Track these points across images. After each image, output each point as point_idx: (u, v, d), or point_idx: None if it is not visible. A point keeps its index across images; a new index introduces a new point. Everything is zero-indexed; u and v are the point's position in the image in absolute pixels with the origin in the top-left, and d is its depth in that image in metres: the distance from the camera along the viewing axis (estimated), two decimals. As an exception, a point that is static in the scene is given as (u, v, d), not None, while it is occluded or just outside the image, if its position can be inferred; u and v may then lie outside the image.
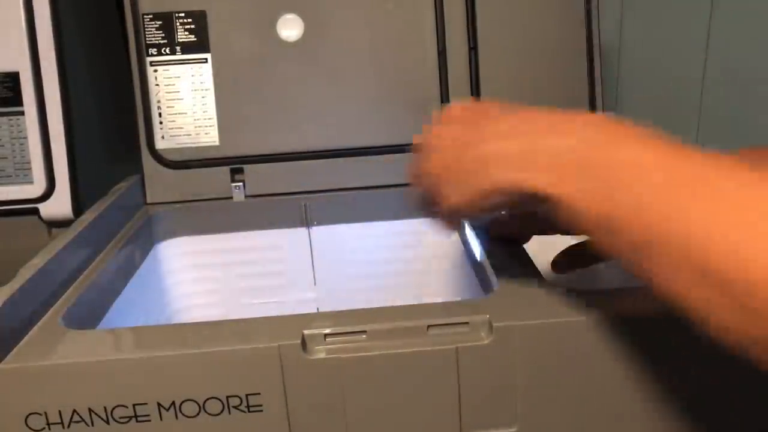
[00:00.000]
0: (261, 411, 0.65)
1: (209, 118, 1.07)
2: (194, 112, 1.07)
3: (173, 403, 0.64)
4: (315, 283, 1.11)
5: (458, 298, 1.00)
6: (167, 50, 1.06)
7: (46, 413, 0.63)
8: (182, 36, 1.06)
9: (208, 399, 0.64)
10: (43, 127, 0.94)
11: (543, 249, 1.05)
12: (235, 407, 0.64)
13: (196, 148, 1.07)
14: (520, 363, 0.65)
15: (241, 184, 1.07)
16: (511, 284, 0.74)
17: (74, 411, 0.63)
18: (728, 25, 1.30)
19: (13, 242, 0.95)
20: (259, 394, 0.64)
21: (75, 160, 0.96)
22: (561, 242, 1.11)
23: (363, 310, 0.70)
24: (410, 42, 1.08)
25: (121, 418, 0.64)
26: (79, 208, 0.96)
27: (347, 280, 1.11)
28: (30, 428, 0.63)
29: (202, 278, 1.08)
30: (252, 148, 1.07)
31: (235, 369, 0.64)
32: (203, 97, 1.07)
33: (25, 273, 0.73)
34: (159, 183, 1.07)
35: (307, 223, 1.08)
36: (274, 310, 1.08)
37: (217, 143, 1.07)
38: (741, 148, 0.65)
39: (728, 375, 0.67)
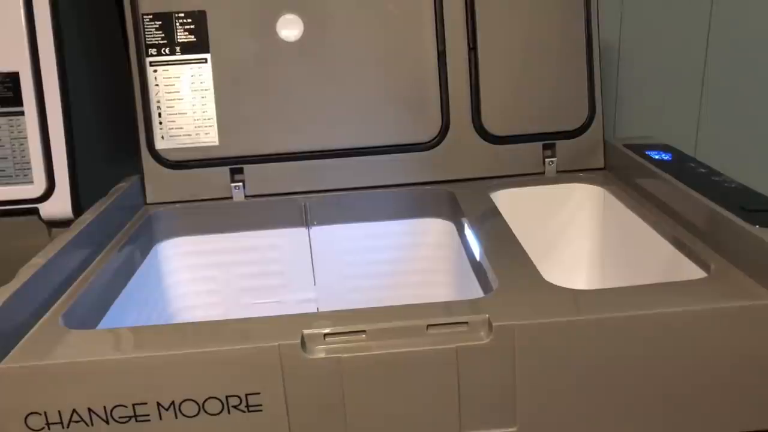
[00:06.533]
0: (260, 411, 0.65)
1: (209, 118, 1.07)
2: (194, 112, 1.07)
3: (173, 402, 0.64)
4: (315, 283, 1.11)
5: (458, 298, 1.00)
6: (167, 50, 1.06)
7: (45, 413, 0.63)
8: (182, 36, 1.06)
9: (207, 399, 0.64)
10: (43, 127, 0.94)
11: (543, 249, 1.05)
12: (234, 407, 0.64)
13: (196, 148, 1.07)
14: (520, 363, 0.65)
15: (240, 184, 1.07)
16: (510, 284, 0.74)
17: (74, 411, 0.63)
18: (728, 25, 1.30)
19: (13, 242, 0.95)
20: (258, 393, 0.64)
21: (75, 160, 0.96)
22: (561, 245, 1.11)
23: (362, 310, 0.70)
24: (410, 42, 1.08)
25: (120, 417, 0.64)
26: (79, 208, 0.96)
27: (347, 280, 1.11)
28: (30, 428, 0.64)
29: (202, 278, 1.08)
30: (251, 148, 1.07)
31: (235, 369, 0.64)
32: (203, 97, 1.07)
33: (25, 273, 0.73)
34: (159, 183, 1.07)
35: (307, 223, 1.08)
36: (274, 310, 1.08)
37: (217, 143, 1.07)
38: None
39: (727, 373, 0.68)
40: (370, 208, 1.08)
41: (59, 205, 0.96)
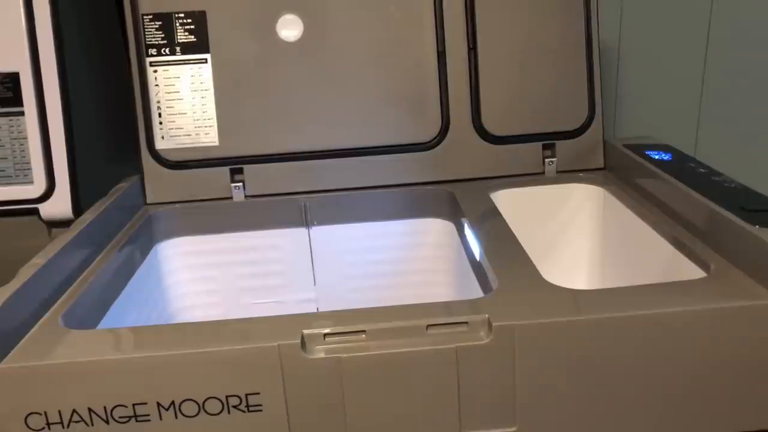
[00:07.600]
0: (260, 411, 0.65)
1: (209, 119, 1.07)
2: (194, 112, 1.07)
3: (173, 402, 0.64)
4: (315, 283, 1.11)
5: (458, 298, 1.00)
6: (167, 50, 1.06)
7: (45, 413, 0.63)
8: (182, 36, 1.06)
9: (207, 399, 0.64)
10: (43, 127, 0.94)
11: (543, 249, 1.05)
12: (234, 407, 0.64)
13: (196, 148, 1.07)
14: (520, 363, 0.65)
15: (240, 184, 1.07)
16: (510, 284, 0.74)
17: (74, 411, 0.63)
18: (728, 25, 1.30)
19: (13, 242, 0.95)
20: (258, 393, 0.64)
21: (75, 160, 0.96)
22: (561, 245, 1.11)
23: (362, 310, 0.70)
24: (410, 42, 1.08)
25: (120, 417, 0.64)
26: (79, 208, 0.96)
27: (347, 280, 1.11)
28: (30, 428, 0.64)
29: (202, 278, 1.08)
30: (251, 148, 1.07)
31: (235, 369, 0.64)
32: (203, 98, 1.07)
33: (25, 273, 0.73)
34: (158, 183, 1.07)
35: (307, 223, 1.08)
36: (274, 310, 1.08)
37: (217, 143, 1.07)
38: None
39: (727, 373, 0.68)
40: (370, 208, 1.08)
41: (59, 205, 0.96)
